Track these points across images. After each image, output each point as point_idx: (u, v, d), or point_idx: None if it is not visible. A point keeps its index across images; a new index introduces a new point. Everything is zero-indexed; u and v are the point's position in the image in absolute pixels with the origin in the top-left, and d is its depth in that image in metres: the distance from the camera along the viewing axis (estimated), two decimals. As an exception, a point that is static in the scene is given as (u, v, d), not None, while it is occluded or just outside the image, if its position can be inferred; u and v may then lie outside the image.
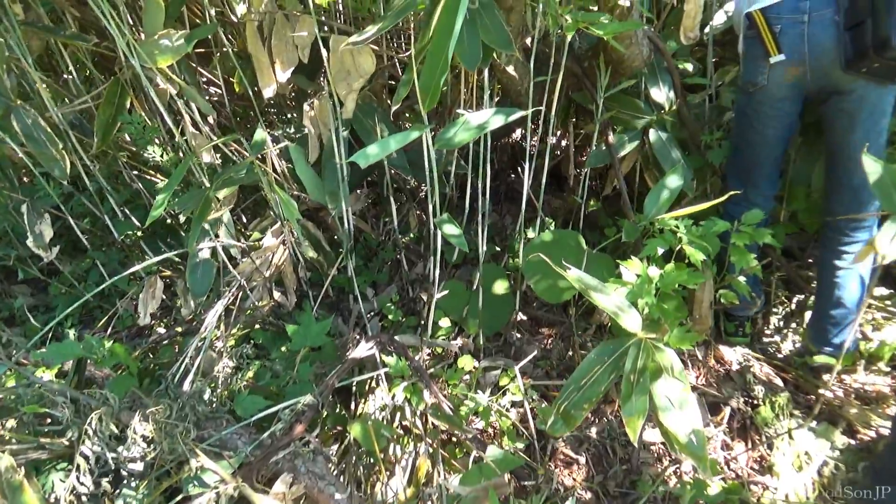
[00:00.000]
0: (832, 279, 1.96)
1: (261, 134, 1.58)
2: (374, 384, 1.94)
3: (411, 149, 2.20)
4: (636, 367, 1.33)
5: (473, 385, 2.07)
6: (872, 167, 1.32)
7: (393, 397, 1.83)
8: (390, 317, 2.27)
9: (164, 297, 2.41)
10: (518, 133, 3.10)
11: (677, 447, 1.27)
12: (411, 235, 2.65)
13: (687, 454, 1.26)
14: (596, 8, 1.57)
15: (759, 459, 1.93)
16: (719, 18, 2.62)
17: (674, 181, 1.86)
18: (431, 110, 2.66)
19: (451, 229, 1.37)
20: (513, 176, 3.17)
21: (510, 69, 1.59)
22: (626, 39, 1.73)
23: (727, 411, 2.03)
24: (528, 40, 1.81)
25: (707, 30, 2.65)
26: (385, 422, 1.80)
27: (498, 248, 2.66)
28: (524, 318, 2.43)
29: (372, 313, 2.37)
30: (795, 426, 1.95)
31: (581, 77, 2.03)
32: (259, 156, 1.91)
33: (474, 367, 2.14)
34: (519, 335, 2.34)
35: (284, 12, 2.05)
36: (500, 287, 2.29)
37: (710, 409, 2.07)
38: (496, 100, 2.45)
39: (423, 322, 2.33)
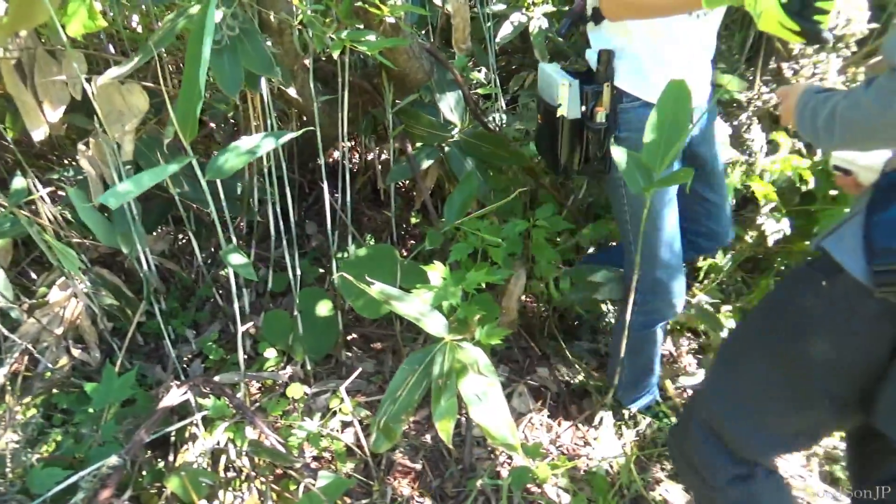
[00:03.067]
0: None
1: (20, 182, 1.45)
2: (195, 429, 1.84)
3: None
4: (443, 370, 1.37)
5: (301, 413, 2.03)
6: (619, 155, 1.46)
7: (218, 442, 1.75)
8: (211, 356, 2.17)
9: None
10: (338, 153, 3.09)
11: (489, 438, 1.32)
12: (229, 268, 2.55)
13: (498, 444, 1.32)
14: (363, 25, 1.60)
15: (583, 436, 2.06)
16: (506, 30, 2.80)
17: (468, 185, 1.95)
18: (225, 136, 2.59)
19: (238, 259, 1.34)
20: (338, 195, 3.16)
21: (291, 92, 1.59)
22: (403, 55, 1.78)
23: (548, 395, 2.16)
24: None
25: (498, 39, 2.82)
26: (207, 468, 1.71)
27: (322, 270, 2.64)
28: (356, 336, 2.42)
29: (191, 355, 2.25)
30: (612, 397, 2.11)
31: (373, 93, 2.06)
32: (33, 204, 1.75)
33: (305, 394, 2.10)
34: (350, 354, 2.32)
35: (47, 48, 1.89)
36: (324, 309, 2.26)
37: (534, 393, 2.18)
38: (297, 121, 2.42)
39: (247, 356, 2.25)
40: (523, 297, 2.45)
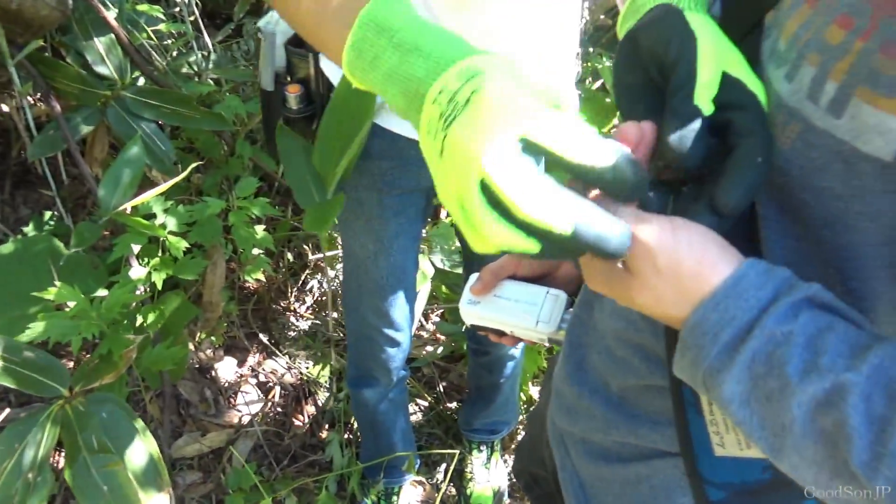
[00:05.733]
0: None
1: None
2: None
3: None
4: (37, 458, 0.99)
5: None
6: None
7: None
8: None
9: None
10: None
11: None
12: None
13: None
14: None
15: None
16: None
17: (135, 155, 1.50)
18: None
19: None
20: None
21: None
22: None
23: (277, 390, 1.88)
24: None
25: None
26: None
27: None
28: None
29: None
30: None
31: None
32: None
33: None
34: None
35: None
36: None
37: (262, 388, 1.90)
38: None
39: None
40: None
